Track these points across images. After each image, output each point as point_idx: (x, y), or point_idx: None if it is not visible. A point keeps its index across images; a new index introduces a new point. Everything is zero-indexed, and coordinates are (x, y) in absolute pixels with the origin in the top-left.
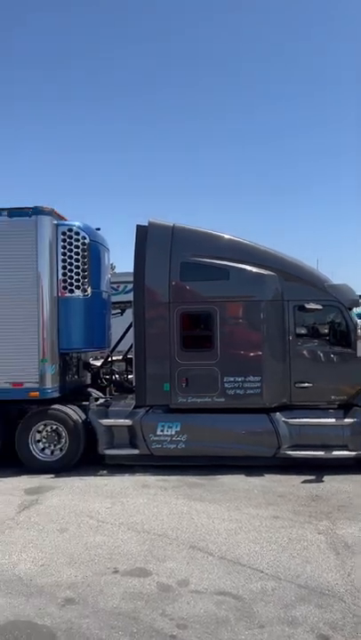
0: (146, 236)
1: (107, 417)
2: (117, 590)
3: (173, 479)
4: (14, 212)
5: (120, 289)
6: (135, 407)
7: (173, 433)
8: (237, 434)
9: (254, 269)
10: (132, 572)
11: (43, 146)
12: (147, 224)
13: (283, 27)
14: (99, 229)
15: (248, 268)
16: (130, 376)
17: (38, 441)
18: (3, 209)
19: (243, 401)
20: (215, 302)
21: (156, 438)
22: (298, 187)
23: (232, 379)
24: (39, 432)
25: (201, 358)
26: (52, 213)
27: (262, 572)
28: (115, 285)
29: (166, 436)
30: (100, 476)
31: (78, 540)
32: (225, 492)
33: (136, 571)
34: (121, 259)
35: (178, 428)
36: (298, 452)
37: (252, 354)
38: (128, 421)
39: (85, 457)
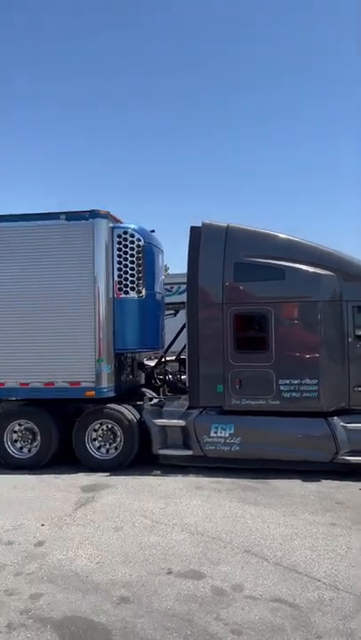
0: (200, 238)
1: (160, 417)
2: (171, 591)
3: (227, 482)
4: (72, 216)
5: (174, 290)
6: (189, 408)
7: (227, 435)
8: (293, 438)
9: (311, 269)
10: (186, 574)
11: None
12: (200, 225)
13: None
14: (153, 231)
15: (305, 267)
16: (183, 376)
17: (94, 439)
18: (61, 212)
19: (299, 404)
20: (270, 303)
21: (210, 440)
22: None
23: (288, 381)
24: (95, 431)
25: (255, 360)
26: (108, 216)
27: (319, 580)
28: (168, 286)
29: (220, 437)
30: (154, 475)
31: (133, 539)
32: (280, 496)
33: (190, 573)
34: (174, 260)
35: (232, 430)
36: (357, 458)
37: (308, 356)
38: (181, 422)
39: (140, 456)
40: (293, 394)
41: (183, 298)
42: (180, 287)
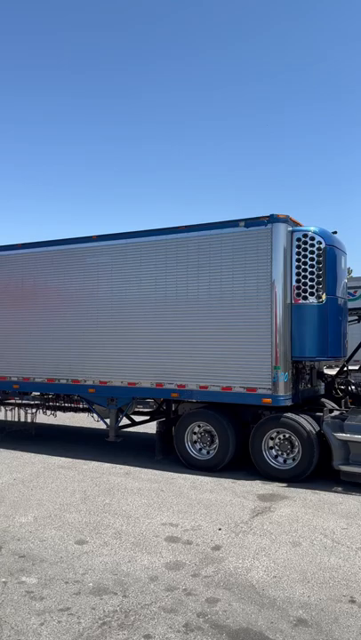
0: None
1: (342, 431)
2: (354, 623)
3: None
4: (250, 222)
5: (358, 294)
6: None
7: None
8: None
9: None
10: None
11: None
12: None
13: None
14: (335, 233)
15: None
16: None
17: (271, 448)
18: (240, 220)
19: None
20: None
21: None
22: None
23: None
24: (272, 439)
25: None
26: (287, 220)
27: None
28: (351, 290)
29: None
30: (335, 492)
31: (311, 557)
32: None
33: None
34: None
35: None
36: None
37: None
38: None
39: (319, 470)
40: None
41: None
42: None
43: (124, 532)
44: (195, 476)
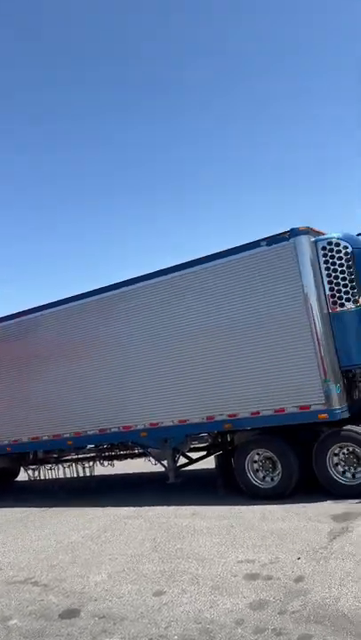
0: None
1: None
2: None
3: None
4: (272, 240)
5: None
6: None
7: None
8: None
9: None
10: None
11: None
12: None
13: None
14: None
15: None
16: None
17: (336, 464)
18: (261, 240)
19: None
20: None
21: None
22: None
23: None
24: (336, 455)
25: None
26: (309, 232)
27: None
28: None
29: None
30: None
31: None
32: None
33: None
34: None
35: None
36: None
37: None
38: None
39: None
40: None
41: None
42: None
43: (200, 575)
44: (263, 506)
